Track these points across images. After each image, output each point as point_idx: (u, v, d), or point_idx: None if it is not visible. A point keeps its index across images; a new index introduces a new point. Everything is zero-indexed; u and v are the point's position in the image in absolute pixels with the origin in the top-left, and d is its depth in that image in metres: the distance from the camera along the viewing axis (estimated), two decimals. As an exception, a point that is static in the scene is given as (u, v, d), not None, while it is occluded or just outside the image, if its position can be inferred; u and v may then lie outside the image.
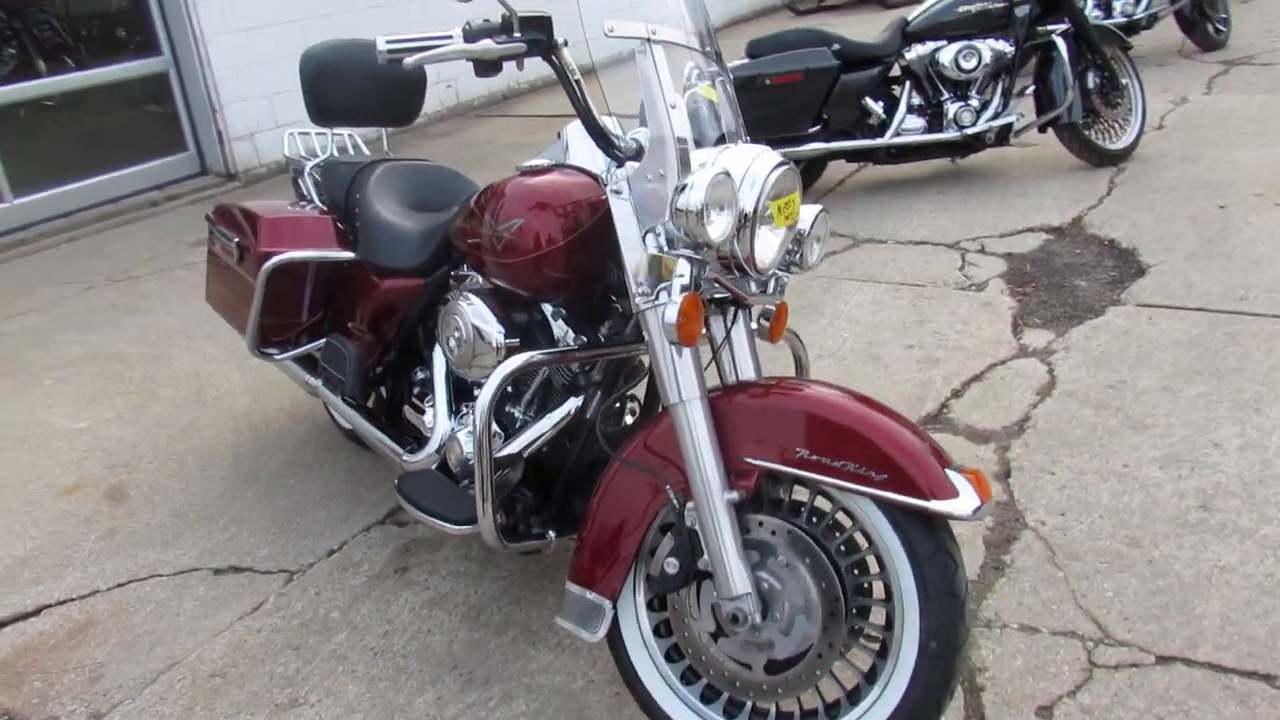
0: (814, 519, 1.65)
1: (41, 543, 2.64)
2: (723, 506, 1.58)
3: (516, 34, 1.56)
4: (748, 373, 1.78)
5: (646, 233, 1.61)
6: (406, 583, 2.35)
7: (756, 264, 1.63)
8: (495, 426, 2.07)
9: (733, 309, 1.75)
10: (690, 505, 1.62)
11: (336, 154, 2.83)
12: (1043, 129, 4.85)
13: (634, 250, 1.62)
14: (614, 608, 1.72)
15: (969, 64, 4.69)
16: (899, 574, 1.54)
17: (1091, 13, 6.62)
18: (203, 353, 3.76)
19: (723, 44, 1.93)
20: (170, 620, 2.30)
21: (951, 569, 1.52)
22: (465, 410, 2.14)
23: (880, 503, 1.53)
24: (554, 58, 1.61)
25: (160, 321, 4.13)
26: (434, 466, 2.17)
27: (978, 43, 4.71)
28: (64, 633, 2.29)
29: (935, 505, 1.47)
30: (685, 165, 1.58)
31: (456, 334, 2.02)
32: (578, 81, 1.63)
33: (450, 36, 1.58)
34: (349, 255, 2.47)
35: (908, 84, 4.83)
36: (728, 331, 1.77)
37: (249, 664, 2.12)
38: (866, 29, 5.05)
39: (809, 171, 4.98)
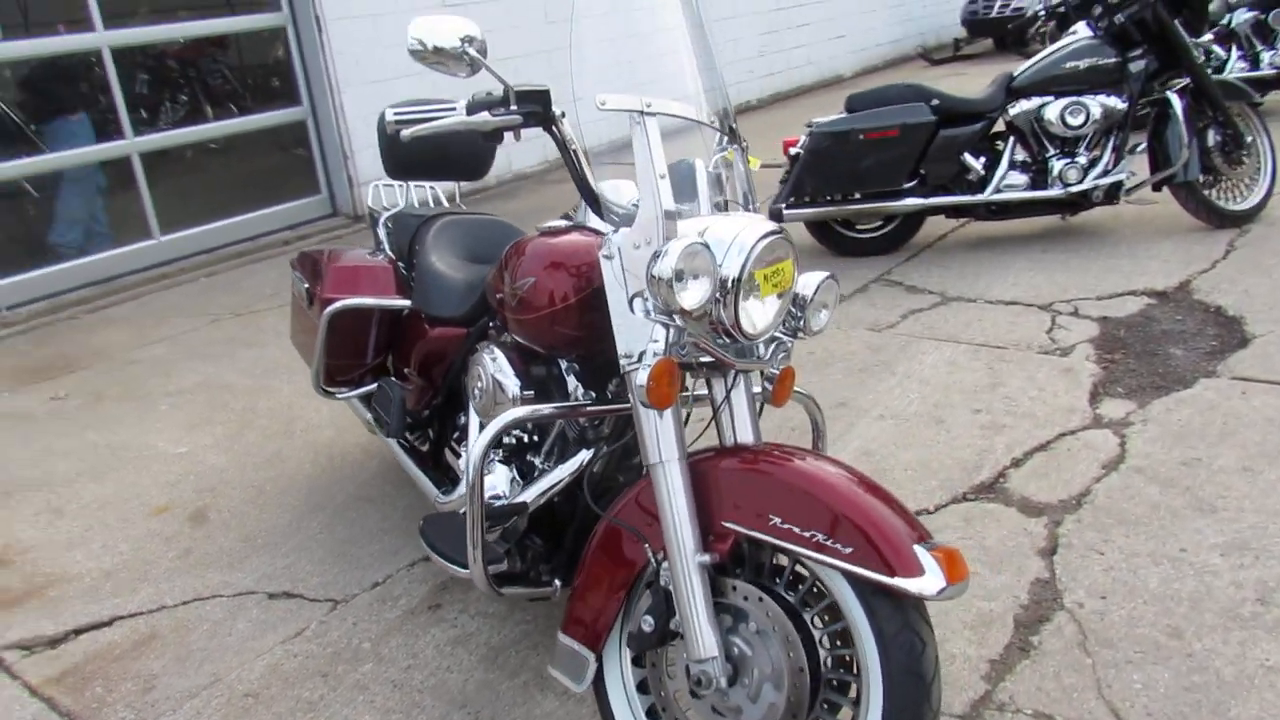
0: (797, 586, 1.65)
1: (127, 558, 2.87)
2: (695, 568, 1.60)
3: (513, 107, 1.65)
4: (746, 436, 1.79)
5: (634, 297, 1.66)
6: (437, 619, 2.44)
7: (744, 331, 1.65)
8: (515, 474, 2.15)
9: (733, 372, 1.78)
10: (666, 565, 1.64)
11: (416, 205, 3.00)
12: (1157, 187, 4.64)
13: (621, 314, 1.67)
14: (598, 660, 1.76)
15: (1076, 120, 4.55)
16: (865, 650, 1.52)
17: (1236, 64, 6.33)
18: (300, 386, 4.00)
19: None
20: (222, 639, 2.46)
21: (918, 649, 1.49)
22: (493, 457, 2.22)
23: (847, 576, 1.52)
24: (553, 129, 1.70)
25: (270, 355, 4.42)
26: (462, 510, 2.25)
27: (1086, 98, 4.57)
28: (130, 644, 2.48)
29: (897, 582, 1.45)
30: (671, 233, 1.63)
31: (479, 384, 2.12)
32: (574, 151, 1.71)
33: (454, 108, 1.68)
34: (405, 303, 2.61)
35: (1011, 140, 4.72)
36: (727, 394, 1.79)
37: (280, 686, 2.25)
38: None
39: (906, 226, 4.91)
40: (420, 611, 2.48)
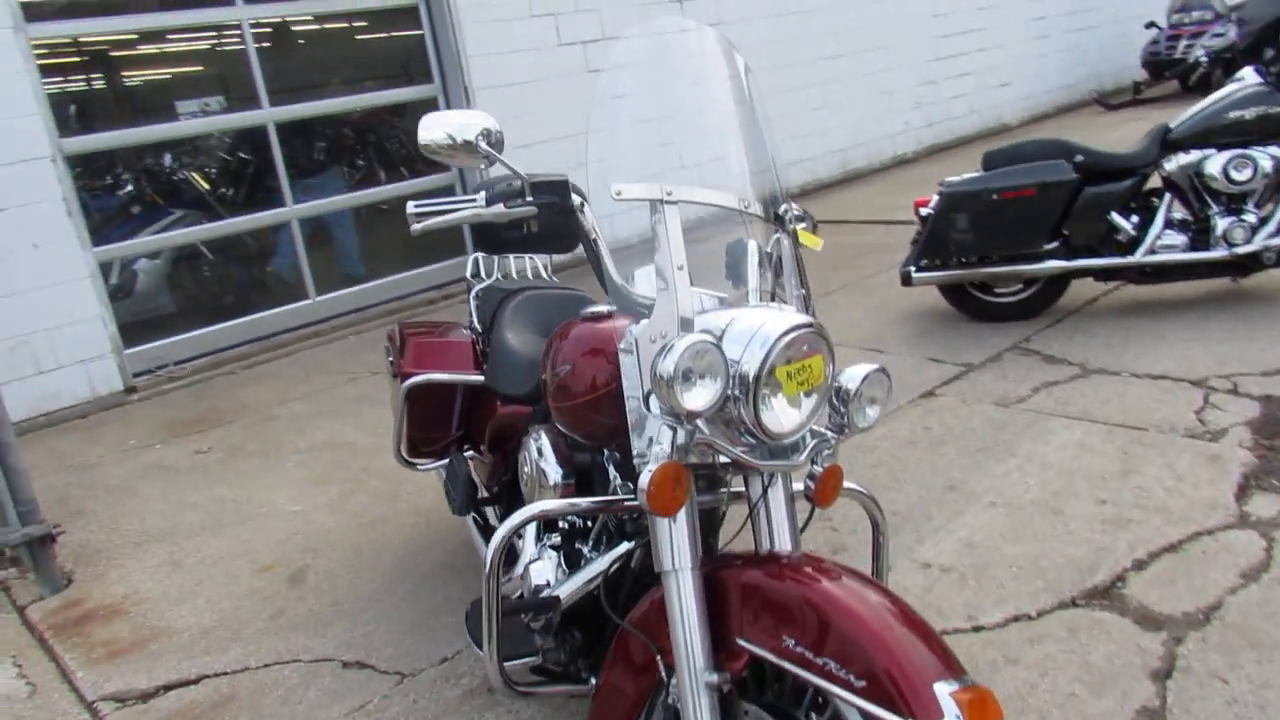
0: (823, 710, 1.51)
1: (226, 615, 2.98)
2: (703, 688, 1.49)
3: (529, 198, 1.62)
4: (783, 541, 1.66)
5: (649, 394, 1.58)
6: (494, 702, 2.39)
7: (768, 430, 1.54)
8: (563, 563, 2.09)
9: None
10: (675, 681, 1.53)
11: (514, 276, 3.03)
12: (1342, 248, 4.15)
13: (636, 411, 1.60)
14: (616, 773, 1.67)
15: (1241, 175, 4.14)
16: (879, 799, 1.35)
17: None
18: (414, 447, 4.10)
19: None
20: (293, 706, 2.50)
21: (938, 803, 1.32)
22: (545, 540, 2.17)
23: (860, 711, 1.37)
24: (574, 218, 1.65)
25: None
26: (516, 594, 2.21)
27: (1255, 151, 4.15)
28: (210, 704, 2.56)
29: (909, 726, 1.29)
30: (688, 328, 1.55)
31: (526, 469, 2.08)
32: (594, 241, 1.65)
33: (475, 199, 1.67)
34: (479, 379, 2.62)
35: (1168, 197, 4.35)
36: (763, 493, 1.68)
37: (333, 763, 2.26)
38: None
39: (1048, 291, 4.59)
40: (480, 693, 2.44)
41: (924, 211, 4.58)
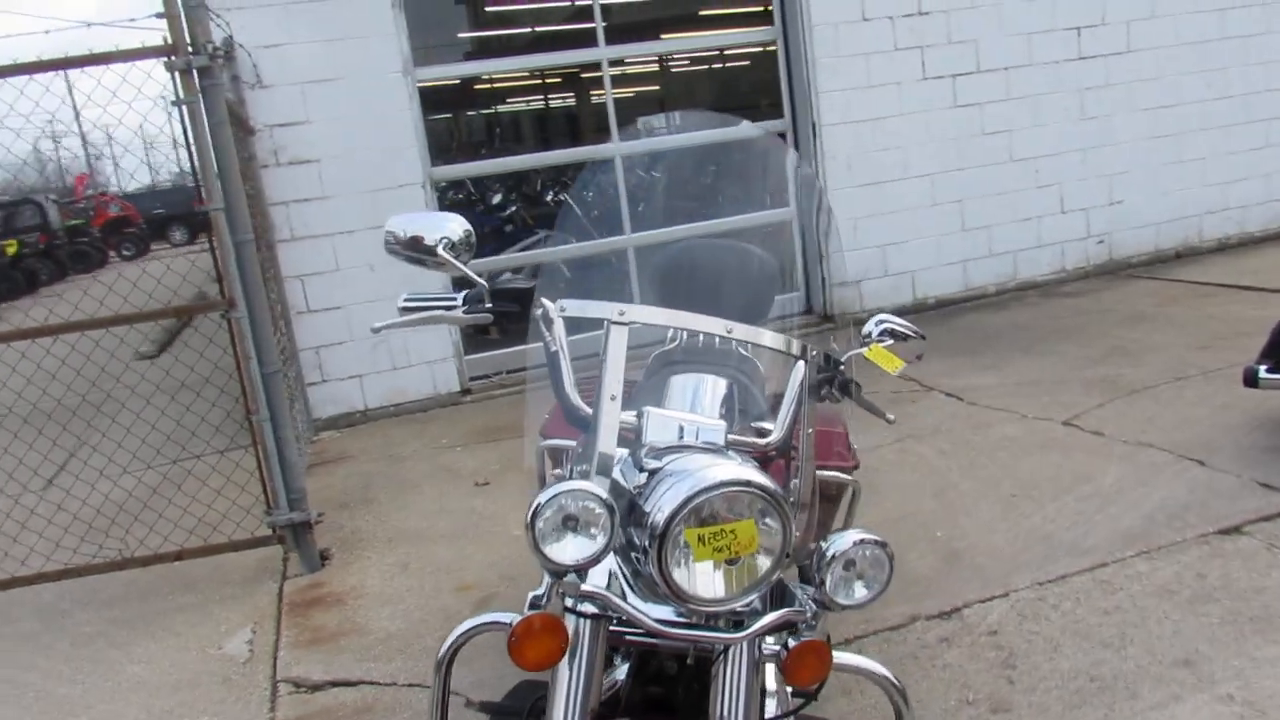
0: None
1: (410, 626, 3.24)
2: None
3: (487, 304, 1.57)
4: (736, 714, 1.46)
5: None
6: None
7: (682, 595, 1.35)
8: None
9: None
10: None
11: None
12: None
13: (559, 541, 1.48)
14: None
15: None
16: None
17: None
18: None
19: None
20: (407, 732, 2.66)
21: None
22: None
23: None
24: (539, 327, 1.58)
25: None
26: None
27: None
28: (351, 710, 2.80)
29: None
30: (605, 464, 1.41)
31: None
32: (554, 354, 1.56)
33: (456, 299, 1.65)
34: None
35: None
36: (720, 659, 1.48)
37: (399, 800, 2.37)
38: None
39: None
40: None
41: (1289, 298, 3.68)
